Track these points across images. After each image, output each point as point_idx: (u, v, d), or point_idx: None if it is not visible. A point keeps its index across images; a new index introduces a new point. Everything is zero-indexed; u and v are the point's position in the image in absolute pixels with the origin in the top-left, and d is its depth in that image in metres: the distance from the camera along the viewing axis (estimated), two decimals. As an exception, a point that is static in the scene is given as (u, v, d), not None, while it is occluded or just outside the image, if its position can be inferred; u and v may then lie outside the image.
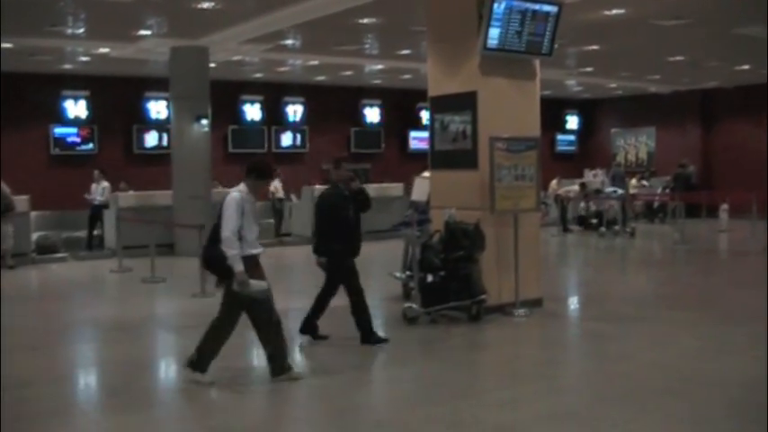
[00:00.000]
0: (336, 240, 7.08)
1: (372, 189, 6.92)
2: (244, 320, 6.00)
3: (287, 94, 20.43)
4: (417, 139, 21.88)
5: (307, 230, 15.54)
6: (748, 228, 16.19)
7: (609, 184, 19.55)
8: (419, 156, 18.81)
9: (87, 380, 6.73)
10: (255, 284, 5.75)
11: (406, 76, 18.61)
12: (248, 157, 13.29)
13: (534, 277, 8.80)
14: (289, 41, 14.25)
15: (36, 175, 16.76)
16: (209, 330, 6.00)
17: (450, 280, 8.00)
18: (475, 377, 6.55)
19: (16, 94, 16.77)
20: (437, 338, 7.59)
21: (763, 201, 16.66)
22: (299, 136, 20.80)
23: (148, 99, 18.62)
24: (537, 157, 8.64)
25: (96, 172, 15.47)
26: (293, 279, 11.65)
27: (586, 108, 26.07)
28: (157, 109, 18.61)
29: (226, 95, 18.39)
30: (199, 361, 5.93)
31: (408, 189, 12.30)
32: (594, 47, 14.86)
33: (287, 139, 20.70)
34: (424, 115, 19.55)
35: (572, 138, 26.14)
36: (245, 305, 5.88)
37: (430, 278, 8.15)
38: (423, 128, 20.13)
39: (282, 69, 17.68)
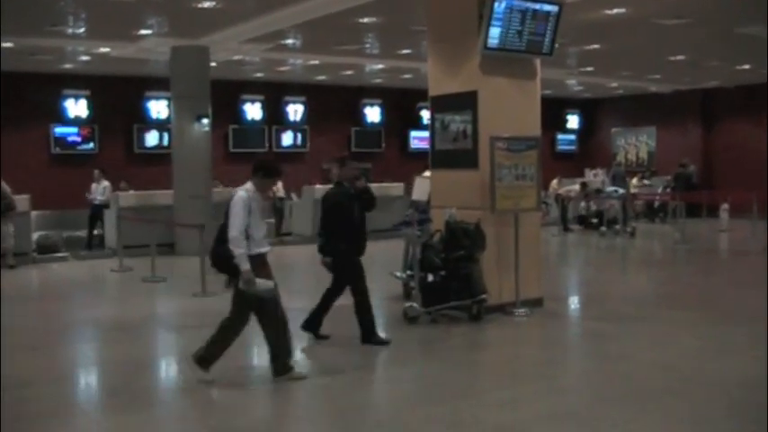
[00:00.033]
0: (342, 240, 7.07)
1: (373, 188, 6.91)
2: (245, 319, 6.02)
3: (287, 94, 20.41)
4: (418, 139, 21.87)
5: (307, 230, 15.56)
6: (749, 227, 16.20)
7: (609, 183, 19.53)
8: (419, 155, 18.82)
9: (87, 380, 6.72)
10: (262, 283, 5.75)
11: (407, 76, 18.60)
12: (249, 157, 13.28)
13: (535, 277, 8.80)
14: (289, 41, 14.24)
15: (36, 175, 16.76)
16: (219, 329, 5.99)
17: (451, 279, 8.00)
18: (475, 377, 6.54)
19: (17, 94, 16.78)
20: (437, 338, 7.60)
21: (763, 200, 16.66)
22: (299, 135, 20.79)
23: (149, 98, 18.61)
24: (537, 156, 8.63)
25: (97, 171, 15.49)
26: (294, 279, 11.62)
27: (587, 107, 26.04)
28: (158, 108, 18.60)
29: (226, 95, 18.39)
30: (205, 358, 5.93)
31: (409, 189, 12.30)
32: (595, 46, 14.85)
33: (287, 138, 20.69)
34: (425, 115, 19.55)
35: (572, 137, 26.09)
36: (255, 305, 5.87)
37: (430, 278, 8.15)
38: (423, 127, 20.15)
39: (283, 69, 17.67)
